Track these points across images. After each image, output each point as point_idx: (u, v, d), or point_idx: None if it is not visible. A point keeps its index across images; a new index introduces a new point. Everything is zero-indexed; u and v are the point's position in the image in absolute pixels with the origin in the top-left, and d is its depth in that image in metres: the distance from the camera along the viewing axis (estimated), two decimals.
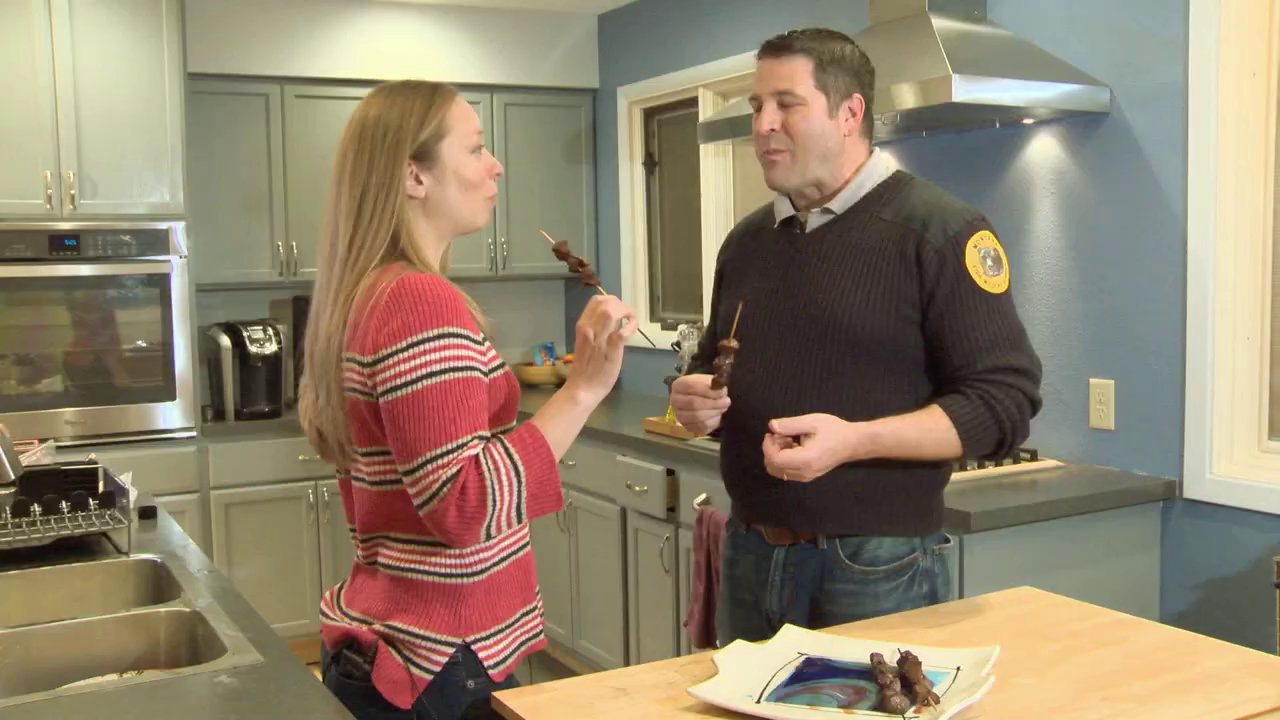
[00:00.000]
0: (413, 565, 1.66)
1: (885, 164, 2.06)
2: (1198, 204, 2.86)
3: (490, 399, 1.65)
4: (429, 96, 1.70)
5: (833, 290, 1.97)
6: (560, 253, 1.82)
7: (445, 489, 1.54)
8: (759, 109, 2.00)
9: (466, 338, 1.59)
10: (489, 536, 1.59)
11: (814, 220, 2.04)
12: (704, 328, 2.38)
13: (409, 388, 1.55)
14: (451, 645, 1.65)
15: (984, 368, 1.93)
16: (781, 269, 2.05)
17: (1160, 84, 2.94)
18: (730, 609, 2.16)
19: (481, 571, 1.67)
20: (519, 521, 1.61)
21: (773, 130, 1.97)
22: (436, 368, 1.56)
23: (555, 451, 1.63)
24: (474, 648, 1.66)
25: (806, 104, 1.96)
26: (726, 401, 1.94)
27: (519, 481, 1.58)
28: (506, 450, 1.59)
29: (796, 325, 1.99)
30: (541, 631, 1.81)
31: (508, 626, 1.71)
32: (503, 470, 1.56)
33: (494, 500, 1.55)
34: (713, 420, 1.98)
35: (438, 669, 1.64)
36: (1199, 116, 2.84)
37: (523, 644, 1.75)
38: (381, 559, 1.69)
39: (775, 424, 1.86)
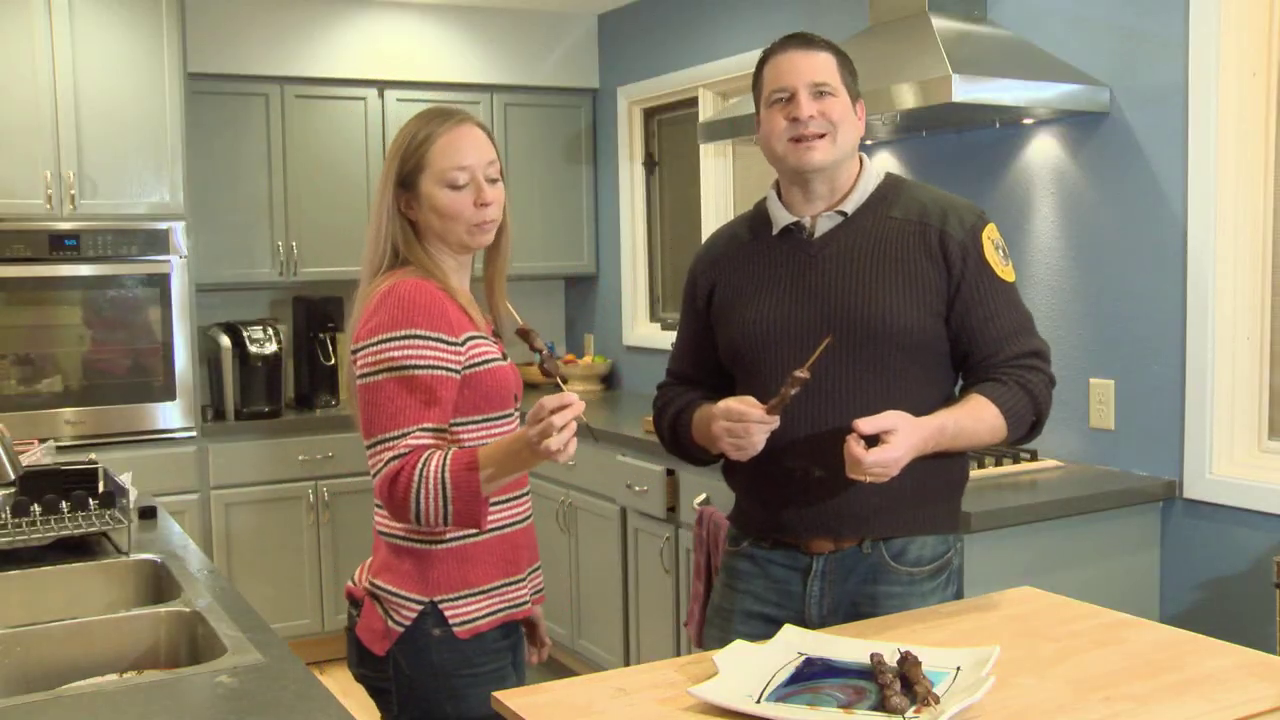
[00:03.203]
0: (391, 531, 1.89)
1: (878, 166, 2.09)
2: (1198, 204, 2.86)
3: (473, 389, 1.85)
4: (425, 127, 1.87)
5: (863, 291, 1.96)
6: (522, 334, 1.89)
7: (384, 469, 1.76)
8: (790, 99, 1.97)
9: (435, 339, 1.79)
10: (418, 523, 1.77)
11: (824, 224, 2.02)
12: (675, 350, 2.24)
13: (371, 378, 1.79)
14: (420, 603, 1.86)
15: (1012, 354, 2.00)
16: (795, 277, 2.01)
17: (1160, 84, 2.93)
18: (744, 622, 2.03)
19: (445, 541, 1.86)
20: (446, 525, 1.78)
21: (811, 116, 1.95)
22: (397, 364, 1.78)
23: (486, 486, 1.75)
24: (440, 606, 1.86)
25: (838, 96, 1.98)
26: (776, 421, 1.88)
27: (444, 500, 1.74)
28: (444, 468, 1.74)
29: (830, 330, 1.94)
30: (526, 602, 1.97)
31: (481, 592, 1.89)
32: (431, 484, 1.74)
33: (418, 504, 1.75)
34: (762, 443, 1.90)
35: (408, 623, 1.86)
36: (1199, 116, 2.84)
37: (499, 611, 1.91)
38: (376, 524, 1.93)
39: (860, 424, 1.83)
